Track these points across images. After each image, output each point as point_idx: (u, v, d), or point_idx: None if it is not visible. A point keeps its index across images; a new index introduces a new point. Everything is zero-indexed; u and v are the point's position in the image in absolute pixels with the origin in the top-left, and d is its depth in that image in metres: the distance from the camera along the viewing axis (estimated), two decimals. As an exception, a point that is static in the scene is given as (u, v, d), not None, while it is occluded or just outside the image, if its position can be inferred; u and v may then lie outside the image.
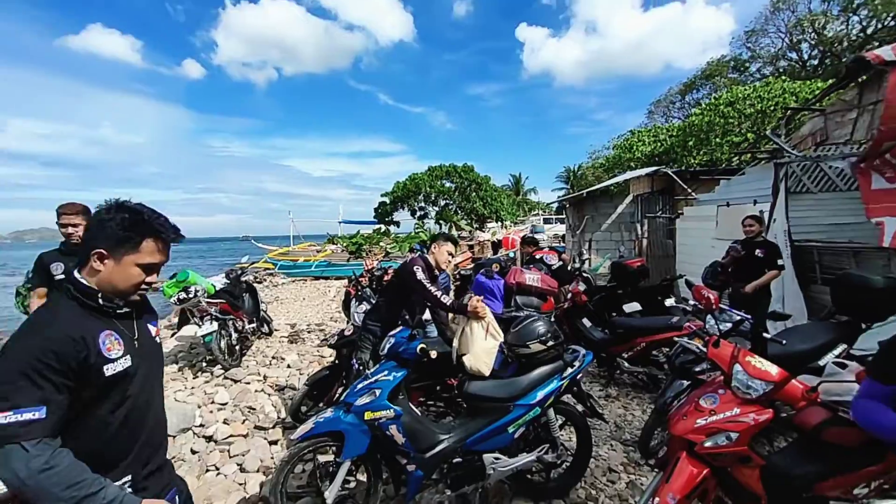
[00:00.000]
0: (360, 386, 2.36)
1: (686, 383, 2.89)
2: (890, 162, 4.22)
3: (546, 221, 28.00)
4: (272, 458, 3.14)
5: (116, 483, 1.16)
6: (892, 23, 18.06)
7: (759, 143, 10.68)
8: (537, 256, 5.47)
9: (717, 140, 12.48)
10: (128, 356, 1.21)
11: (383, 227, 22.64)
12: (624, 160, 15.45)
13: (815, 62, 20.90)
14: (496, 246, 14.65)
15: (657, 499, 1.97)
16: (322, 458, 2.48)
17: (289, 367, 5.06)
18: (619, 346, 4.36)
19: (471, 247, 15.19)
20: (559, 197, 23.57)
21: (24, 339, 1.09)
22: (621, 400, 4.20)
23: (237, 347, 5.06)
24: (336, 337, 3.73)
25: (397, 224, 29.92)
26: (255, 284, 6.61)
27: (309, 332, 6.84)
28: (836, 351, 3.02)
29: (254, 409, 3.88)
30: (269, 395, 4.24)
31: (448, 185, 32.08)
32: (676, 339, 3.06)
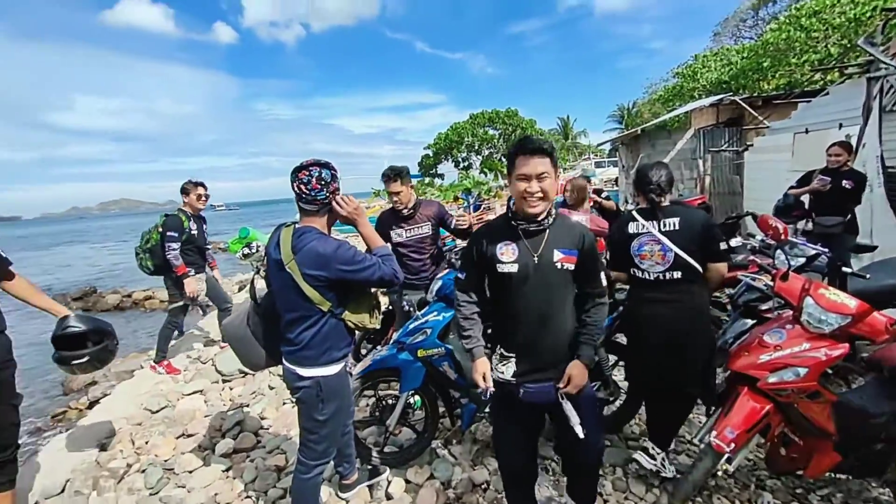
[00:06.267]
0: (411, 326, 2.47)
1: (750, 322, 2.74)
2: None
3: (598, 165, 26.57)
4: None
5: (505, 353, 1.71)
6: None
7: (846, 58, 9.25)
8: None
9: (796, 59, 10.96)
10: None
11: (427, 180, 22.55)
12: (686, 90, 14.08)
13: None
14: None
15: (714, 432, 1.95)
16: (382, 393, 2.68)
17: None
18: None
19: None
20: (612, 138, 22.10)
21: None
22: (678, 342, 4.09)
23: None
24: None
25: (441, 177, 29.70)
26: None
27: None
28: (931, 285, 2.72)
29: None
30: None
31: (492, 132, 31.11)
32: (741, 276, 2.88)
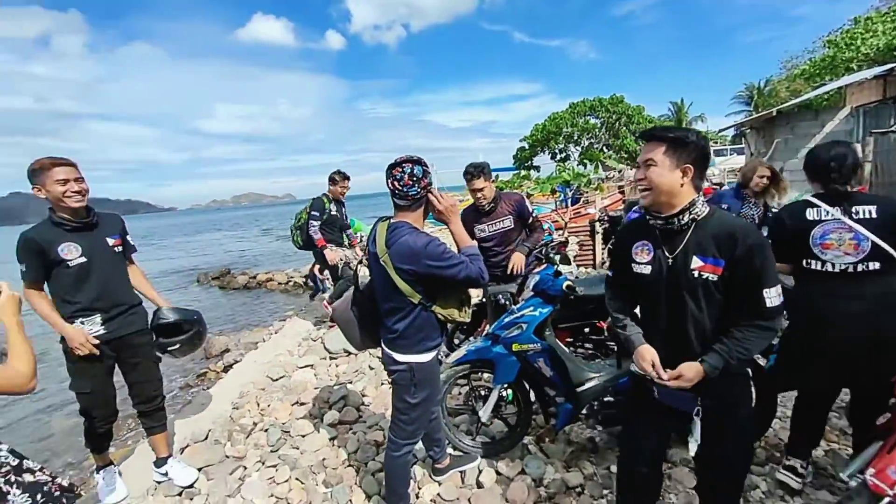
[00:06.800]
0: (507, 320, 2.43)
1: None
2: None
3: (717, 154, 23.53)
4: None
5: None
6: None
7: None
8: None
9: None
10: None
11: (522, 173, 22.09)
12: (840, 62, 11.78)
13: None
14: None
15: (872, 470, 1.60)
16: (476, 383, 2.69)
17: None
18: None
19: (620, 188, 13.85)
20: (736, 122, 19.40)
21: None
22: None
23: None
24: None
25: (537, 169, 28.84)
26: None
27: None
28: None
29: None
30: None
31: (593, 121, 29.39)
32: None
